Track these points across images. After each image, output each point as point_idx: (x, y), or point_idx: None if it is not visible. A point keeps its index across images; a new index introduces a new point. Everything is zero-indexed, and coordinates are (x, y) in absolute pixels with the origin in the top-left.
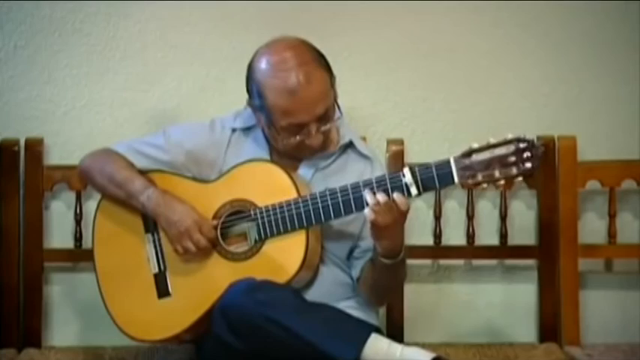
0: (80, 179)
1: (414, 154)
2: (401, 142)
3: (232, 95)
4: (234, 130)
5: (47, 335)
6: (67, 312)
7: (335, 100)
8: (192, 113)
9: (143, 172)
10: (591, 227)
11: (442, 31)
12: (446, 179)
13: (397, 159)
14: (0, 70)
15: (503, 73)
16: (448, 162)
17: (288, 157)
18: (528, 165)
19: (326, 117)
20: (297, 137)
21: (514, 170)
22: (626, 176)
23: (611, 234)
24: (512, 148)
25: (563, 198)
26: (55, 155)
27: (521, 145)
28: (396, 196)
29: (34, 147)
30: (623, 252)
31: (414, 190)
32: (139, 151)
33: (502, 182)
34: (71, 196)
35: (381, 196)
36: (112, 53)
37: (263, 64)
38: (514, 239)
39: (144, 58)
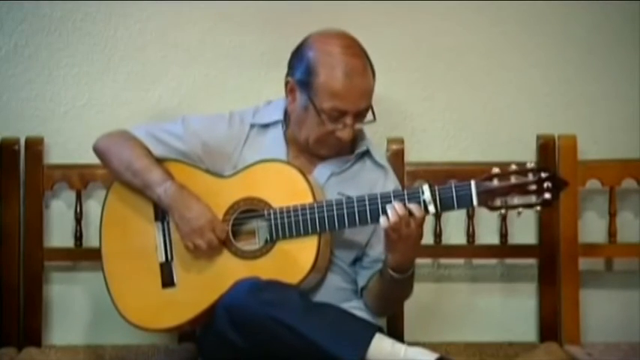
0: (81, 177)
1: (414, 153)
2: (401, 141)
3: (233, 94)
4: (252, 126)
5: (47, 334)
6: (68, 311)
7: (371, 105)
8: (192, 112)
9: (160, 161)
10: (591, 226)
11: (442, 30)
12: (465, 201)
13: (397, 157)
14: (0, 69)
15: (503, 72)
16: (469, 184)
17: (306, 152)
18: (547, 196)
19: (363, 114)
20: (332, 125)
21: (533, 199)
22: (626, 175)
23: (612, 233)
24: (533, 176)
25: (563, 197)
26: (56, 154)
27: (543, 175)
28: (413, 207)
29: (35, 146)
30: (623, 251)
31: (431, 209)
32: (157, 138)
33: (520, 210)
34: (71, 195)
35: (399, 209)
36: (112, 52)
37: (324, 44)
38: (514, 238)
39: (144, 58)
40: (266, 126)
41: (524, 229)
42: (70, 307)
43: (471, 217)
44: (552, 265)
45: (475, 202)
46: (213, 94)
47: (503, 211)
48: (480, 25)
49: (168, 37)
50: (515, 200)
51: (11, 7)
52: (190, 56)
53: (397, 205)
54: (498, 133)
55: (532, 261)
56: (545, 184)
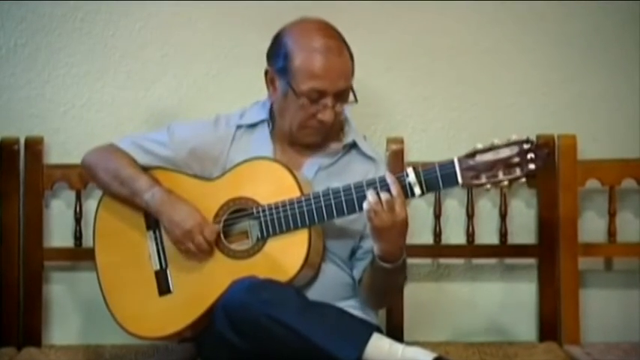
0: (81, 177)
1: (414, 153)
2: (401, 141)
3: (232, 94)
4: (238, 127)
5: (47, 334)
6: (67, 310)
7: (352, 87)
8: (192, 112)
9: (146, 169)
10: (591, 226)
11: (442, 29)
12: (450, 180)
13: (397, 157)
14: (0, 69)
15: (504, 71)
16: (452, 163)
17: (293, 147)
18: (531, 166)
19: (343, 96)
20: (312, 108)
21: (517, 171)
22: (626, 175)
23: (611, 233)
24: (515, 149)
25: (563, 197)
26: (55, 154)
27: (525, 147)
28: (393, 190)
29: (34, 146)
30: (623, 251)
31: (417, 190)
32: (141, 147)
33: (506, 183)
34: (71, 194)
35: (382, 195)
36: (112, 52)
37: (300, 29)
38: (514, 238)
39: (144, 57)
40: (252, 126)
41: (524, 228)
42: (70, 307)
43: (470, 216)
44: (552, 264)
45: (460, 179)
46: (213, 94)
47: (488, 186)
48: (480, 24)
49: (168, 37)
50: (500, 174)
51: (11, 7)
52: (190, 56)
53: (381, 193)
54: (498, 133)
55: (532, 260)
56: (529, 155)
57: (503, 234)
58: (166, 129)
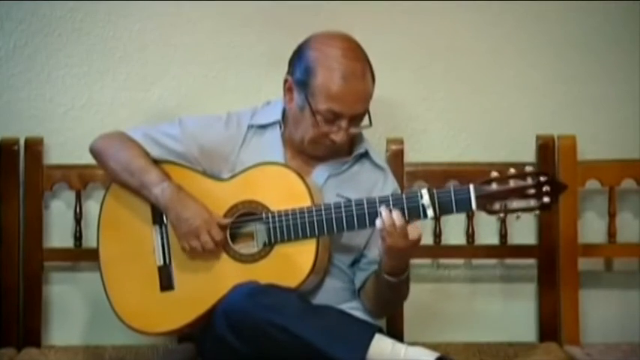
0: (81, 177)
1: (414, 154)
2: (400, 142)
3: (232, 95)
4: (250, 127)
5: (47, 334)
6: (67, 311)
7: (368, 110)
8: (192, 113)
9: (157, 163)
10: (591, 226)
11: (442, 30)
12: (464, 205)
13: (397, 158)
14: (0, 70)
15: (503, 72)
16: (468, 189)
17: (303, 153)
18: (546, 200)
19: (359, 118)
20: (326, 127)
21: (532, 203)
22: (626, 175)
23: (611, 233)
24: (532, 180)
25: (562, 197)
26: (55, 155)
27: (542, 179)
28: (410, 227)
29: (34, 146)
30: (622, 251)
31: (430, 213)
32: (154, 140)
33: (519, 214)
34: (71, 195)
35: (397, 218)
36: (111, 53)
37: (325, 45)
38: (514, 239)
39: (143, 58)
40: (264, 127)
41: (524, 229)
42: (70, 308)
43: (470, 217)
44: (552, 265)
45: (474, 206)
46: (212, 95)
47: (502, 214)
48: (480, 25)
49: (168, 38)
50: (514, 204)
51: (11, 8)
52: (190, 56)
53: (395, 214)
54: (498, 134)
55: (532, 261)
56: (544, 188)
57: (503, 235)
58: (178, 122)
